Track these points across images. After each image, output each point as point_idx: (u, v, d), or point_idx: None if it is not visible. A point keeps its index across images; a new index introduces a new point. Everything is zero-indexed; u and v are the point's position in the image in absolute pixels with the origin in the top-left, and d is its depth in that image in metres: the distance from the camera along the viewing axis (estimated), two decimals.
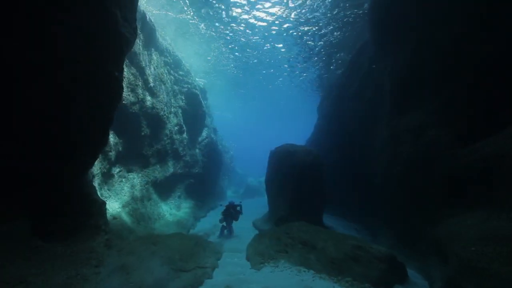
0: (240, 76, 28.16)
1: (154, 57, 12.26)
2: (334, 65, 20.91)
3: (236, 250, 8.47)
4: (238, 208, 11.16)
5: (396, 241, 8.15)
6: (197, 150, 17.69)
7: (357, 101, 12.50)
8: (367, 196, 11.60)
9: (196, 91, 16.56)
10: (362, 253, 6.21)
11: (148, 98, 10.86)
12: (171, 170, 13.40)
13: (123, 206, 9.30)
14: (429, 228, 6.04)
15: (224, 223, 10.66)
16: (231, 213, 10.76)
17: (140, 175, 10.95)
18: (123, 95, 9.08)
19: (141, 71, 10.35)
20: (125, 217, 8.89)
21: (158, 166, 12.37)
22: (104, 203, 5.74)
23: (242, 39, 19.53)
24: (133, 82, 9.67)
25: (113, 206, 8.76)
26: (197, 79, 20.48)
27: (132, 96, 9.68)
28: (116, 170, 9.56)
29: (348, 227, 12.36)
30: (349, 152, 13.37)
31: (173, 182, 13.73)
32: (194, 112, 16.63)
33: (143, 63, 10.45)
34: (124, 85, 9.17)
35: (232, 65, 25.27)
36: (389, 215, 8.81)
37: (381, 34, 9.06)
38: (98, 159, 8.12)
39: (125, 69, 9.20)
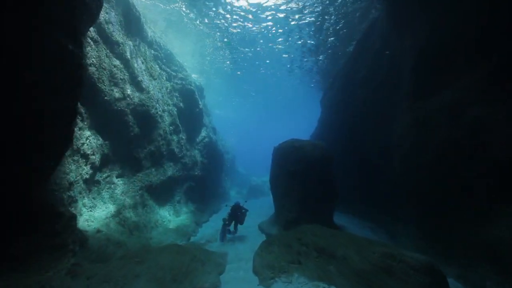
0: (239, 73, 27.00)
1: (142, 49, 11.17)
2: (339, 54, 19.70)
3: (242, 258, 7.56)
4: (243, 210, 10.30)
5: (425, 243, 6.99)
6: (195, 151, 16.65)
7: (366, 86, 11.33)
8: (380, 191, 10.48)
9: (192, 88, 15.49)
10: (394, 263, 5.08)
11: (136, 94, 9.78)
12: (168, 173, 12.40)
13: (112, 216, 8.27)
14: (477, 229, 4.90)
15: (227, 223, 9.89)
16: (237, 215, 10.19)
17: (132, 180, 9.93)
18: (105, 89, 8.04)
19: (126, 63, 9.27)
20: (114, 228, 7.84)
21: (153, 169, 11.36)
22: (74, 217, 4.65)
23: (237, 29, 18.35)
24: (117, 75, 8.59)
25: (99, 216, 7.71)
26: (193, 75, 19.39)
27: (116, 91, 8.60)
28: (102, 175, 8.50)
29: (361, 226, 11.30)
30: (358, 144, 12.22)
31: (171, 186, 12.72)
32: (191, 111, 15.59)
33: (128, 54, 9.35)
34: (105, 78, 8.13)
35: (228, 62, 24.11)
36: (414, 213, 7.64)
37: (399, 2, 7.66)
38: (77, 163, 7.07)
39: (106, 60, 8.12)
